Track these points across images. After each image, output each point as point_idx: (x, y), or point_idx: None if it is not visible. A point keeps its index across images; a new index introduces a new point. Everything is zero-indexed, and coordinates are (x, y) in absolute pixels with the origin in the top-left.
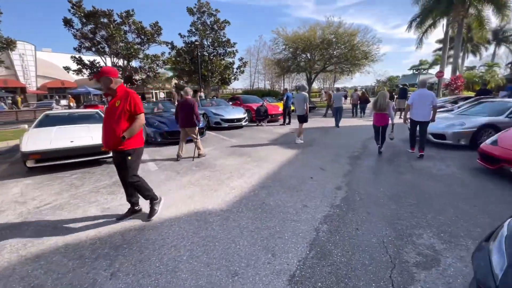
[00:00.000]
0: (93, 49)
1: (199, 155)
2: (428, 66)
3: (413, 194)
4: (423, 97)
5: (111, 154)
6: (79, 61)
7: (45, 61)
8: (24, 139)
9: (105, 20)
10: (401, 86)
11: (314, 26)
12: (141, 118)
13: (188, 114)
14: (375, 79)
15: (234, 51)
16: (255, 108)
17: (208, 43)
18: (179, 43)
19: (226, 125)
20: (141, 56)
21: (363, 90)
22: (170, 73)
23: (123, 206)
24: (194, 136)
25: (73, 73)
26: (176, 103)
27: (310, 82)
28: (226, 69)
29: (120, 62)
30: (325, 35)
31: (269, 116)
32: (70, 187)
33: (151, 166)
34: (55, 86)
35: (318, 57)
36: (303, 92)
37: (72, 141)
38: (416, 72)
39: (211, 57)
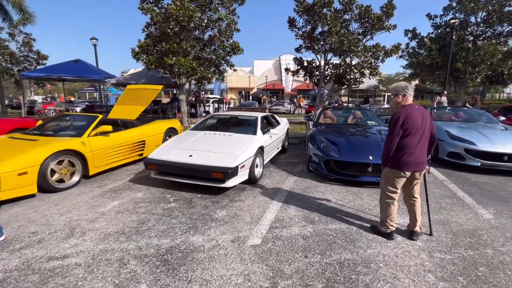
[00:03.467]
0: (313, 48)
1: (413, 234)
2: None
3: None
4: None
5: (229, 185)
6: (299, 62)
7: None
8: (163, 143)
9: (325, 11)
10: None
11: None
12: None
13: (425, 139)
14: None
15: None
16: None
17: (480, 18)
18: (425, 30)
19: (477, 163)
20: (359, 48)
21: None
22: (409, 72)
23: None
24: (418, 190)
25: (291, 75)
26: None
27: None
28: (508, 58)
29: (336, 59)
30: None
31: None
32: (137, 226)
33: (258, 232)
34: (303, 88)
35: None
36: None
37: (190, 155)
38: None
39: (478, 41)
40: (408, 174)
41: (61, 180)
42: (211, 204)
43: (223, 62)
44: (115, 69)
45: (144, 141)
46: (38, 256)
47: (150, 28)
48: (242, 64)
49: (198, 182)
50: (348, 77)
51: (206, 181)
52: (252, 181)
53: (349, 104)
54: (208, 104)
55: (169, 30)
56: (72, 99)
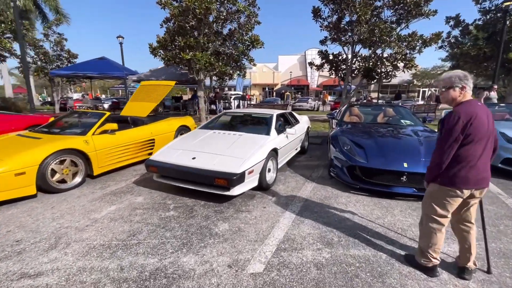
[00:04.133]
0: (339, 39)
1: (464, 271)
2: None
3: None
4: None
5: (234, 193)
6: (324, 55)
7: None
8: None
9: None
10: None
11: None
12: None
13: (490, 148)
14: None
15: None
16: None
17: None
18: (470, 16)
19: None
20: (392, 38)
21: None
22: (449, 64)
23: None
24: (474, 213)
25: (315, 69)
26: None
27: None
28: None
29: (366, 52)
30: None
31: None
32: (127, 239)
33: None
34: (329, 83)
35: None
36: None
37: (194, 158)
38: None
39: None
40: (466, 193)
41: (63, 181)
42: (214, 214)
43: (243, 56)
44: (145, 66)
45: (153, 139)
46: (11, 272)
47: (168, 23)
48: (266, 60)
49: (200, 189)
50: (378, 70)
51: (209, 187)
52: (263, 187)
53: (379, 101)
54: (229, 100)
55: (186, 24)
56: (103, 96)
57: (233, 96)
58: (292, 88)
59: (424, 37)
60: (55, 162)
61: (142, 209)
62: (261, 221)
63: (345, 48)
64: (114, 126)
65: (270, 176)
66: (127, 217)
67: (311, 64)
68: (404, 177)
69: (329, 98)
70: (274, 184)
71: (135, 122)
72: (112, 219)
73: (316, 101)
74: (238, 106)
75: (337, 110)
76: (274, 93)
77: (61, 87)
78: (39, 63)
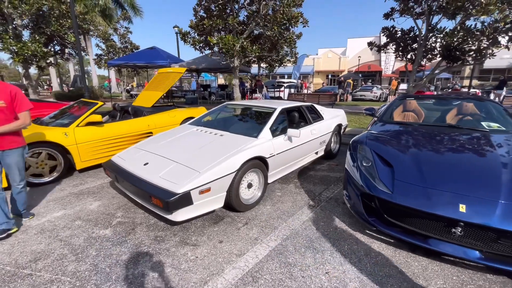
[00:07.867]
0: (410, 9)
1: None
2: None
3: None
4: None
5: (177, 219)
6: (390, 33)
7: None
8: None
9: None
10: None
11: None
12: None
13: None
14: None
15: None
16: None
17: None
18: None
19: None
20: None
21: None
22: None
23: None
24: None
25: (375, 50)
26: None
27: None
28: None
29: (445, 23)
30: None
31: None
32: (26, 265)
33: None
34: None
35: None
36: None
37: (146, 164)
38: None
39: None
40: None
41: (40, 175)
42: (149, 243)
43: (281, 38)
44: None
45: (151, 133)
46: None
47: (201, 5)
48: (334, 45)
49: (145, 205)
50: (466, 48)
51: (151, 205)
52: (235, 209)
53: (472, 90)
54: (281, 89)
55: (212, 4)
56: None
57: (285, 84)
58: (360, 75)
59: None
60: (29, 156)
61: (83, 220)
62: (198, 268)
63: (420, 20)
64: (98, 117)
65: (251, 194)
66: (57, 231)
67: (371, 44)
68: (459, 229)
69: (401, 86)
70: (259, 203)
71: (136, 113)
72: (42, 230)
73: (385, 90)
74: (290, 96)
75: (384, 105)
76: (337, 80)
77: (126, 76)
78: (110, 55)
